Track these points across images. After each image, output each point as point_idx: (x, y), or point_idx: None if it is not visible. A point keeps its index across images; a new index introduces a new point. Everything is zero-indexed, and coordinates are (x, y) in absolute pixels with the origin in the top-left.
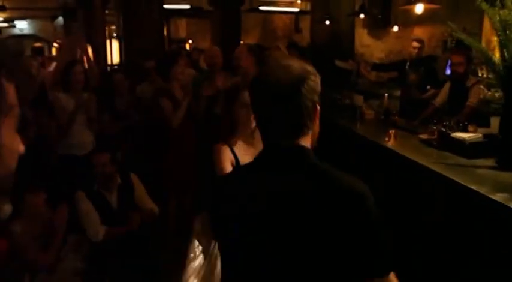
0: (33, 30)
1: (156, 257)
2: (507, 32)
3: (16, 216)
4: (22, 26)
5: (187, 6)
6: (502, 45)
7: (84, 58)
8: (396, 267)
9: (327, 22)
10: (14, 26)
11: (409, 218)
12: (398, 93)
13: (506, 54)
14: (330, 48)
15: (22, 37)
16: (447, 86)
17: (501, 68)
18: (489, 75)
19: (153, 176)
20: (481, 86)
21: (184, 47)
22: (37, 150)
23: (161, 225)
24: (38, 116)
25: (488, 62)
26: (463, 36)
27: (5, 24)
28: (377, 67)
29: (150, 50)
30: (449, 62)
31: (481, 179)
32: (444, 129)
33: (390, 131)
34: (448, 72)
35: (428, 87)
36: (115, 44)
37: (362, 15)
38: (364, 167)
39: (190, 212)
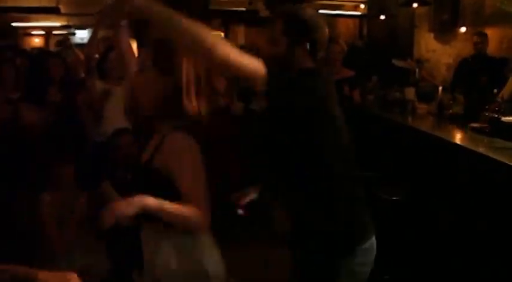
0: None
1: None
2: None
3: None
4: (82, 35)
5: (242, 9)
6: None
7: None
8: None
9: (382, 17)
10: (74, 34)
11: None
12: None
13: None
14: (387, 46)
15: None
16: None
17: None
18: None
19: None
20: None
21: None
22: (71, 132)
23: None
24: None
25: None
26: None
27: (64, 32)
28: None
29: None
30: None
31: None
32: (496, 115)
33: None
34: None
35: (495, 90)
36: None
37: (415, 5)
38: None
39: None
